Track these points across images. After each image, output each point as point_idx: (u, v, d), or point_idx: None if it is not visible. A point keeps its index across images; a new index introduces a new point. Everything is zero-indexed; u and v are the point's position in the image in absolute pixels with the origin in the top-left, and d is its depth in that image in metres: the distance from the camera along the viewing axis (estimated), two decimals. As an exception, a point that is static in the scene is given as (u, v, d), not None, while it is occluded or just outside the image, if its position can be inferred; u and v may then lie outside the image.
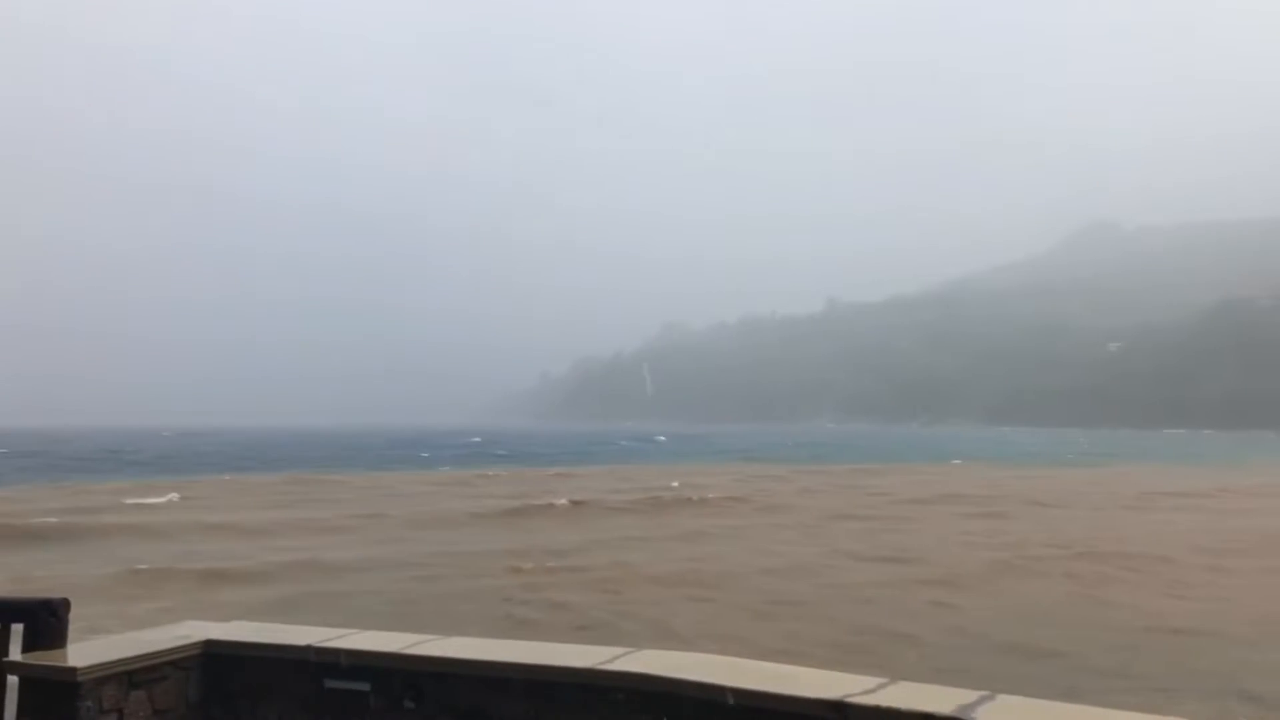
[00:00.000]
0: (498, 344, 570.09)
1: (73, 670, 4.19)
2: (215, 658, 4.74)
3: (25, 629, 4.38)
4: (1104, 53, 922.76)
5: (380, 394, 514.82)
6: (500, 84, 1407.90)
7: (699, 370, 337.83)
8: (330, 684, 4.50)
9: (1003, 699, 3.36)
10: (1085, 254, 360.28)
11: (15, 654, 4.33)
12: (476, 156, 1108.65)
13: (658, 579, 16.19)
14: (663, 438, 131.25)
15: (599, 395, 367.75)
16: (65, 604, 4.47)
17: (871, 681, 3.56)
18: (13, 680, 4.33)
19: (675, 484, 41.24)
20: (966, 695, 3.38)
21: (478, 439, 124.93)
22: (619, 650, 4.15)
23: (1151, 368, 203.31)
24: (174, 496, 33.75)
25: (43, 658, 4.31)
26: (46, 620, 4.32)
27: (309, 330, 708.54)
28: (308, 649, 4.53)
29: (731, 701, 3.61)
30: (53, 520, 24.85)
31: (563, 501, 30.78)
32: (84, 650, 4.44)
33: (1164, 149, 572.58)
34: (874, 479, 47.72)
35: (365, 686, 4.43)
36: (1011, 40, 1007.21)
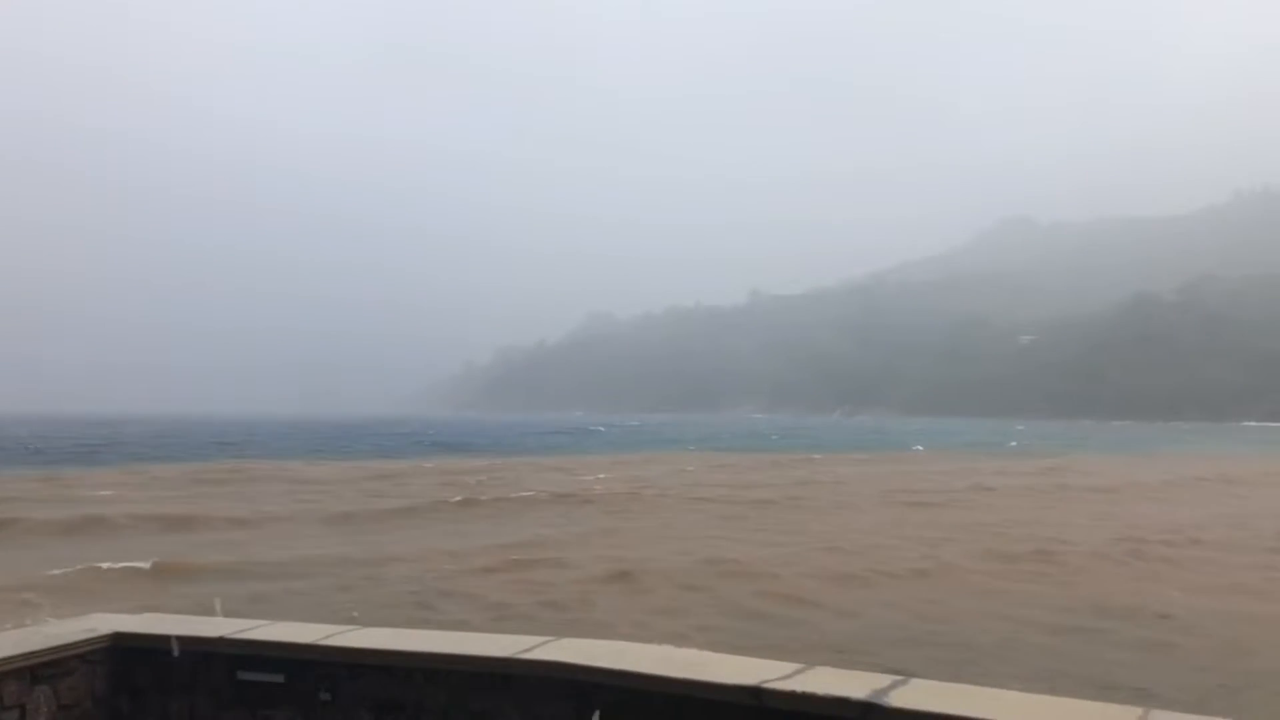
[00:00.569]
0: (420, 333, 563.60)
1: None
2: (124, 650, 4.58)
3: None
4: (1020, 55, 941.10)
5: (301, 384, 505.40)
6: (426, 66, 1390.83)
7: (624, 360, 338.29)
8: (243, 676, 4.40)
9: (916, 683, 3.43)
10: (1001, 249, 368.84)
11: None
12: (395, 149, 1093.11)
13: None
14: (602, 428, 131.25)
15: (522, 384, 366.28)
16: None
17: (788, 667, 3.62)
18: None
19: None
20: (880, 680, 3.44)
21: (430, 428, 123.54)
22: (538, 639, 4.17)
23: (1064, 360, 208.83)
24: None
25: None
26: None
27: (224, 320, 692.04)
28: (220, 640, 4.43)
29: (649, 689, 3.64)
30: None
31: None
32: None
33: (1077, 147, 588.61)
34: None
35: (279, 678, 4.33)
36: (933, 45, 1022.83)
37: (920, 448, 73.07)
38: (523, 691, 3.94)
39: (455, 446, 73.17)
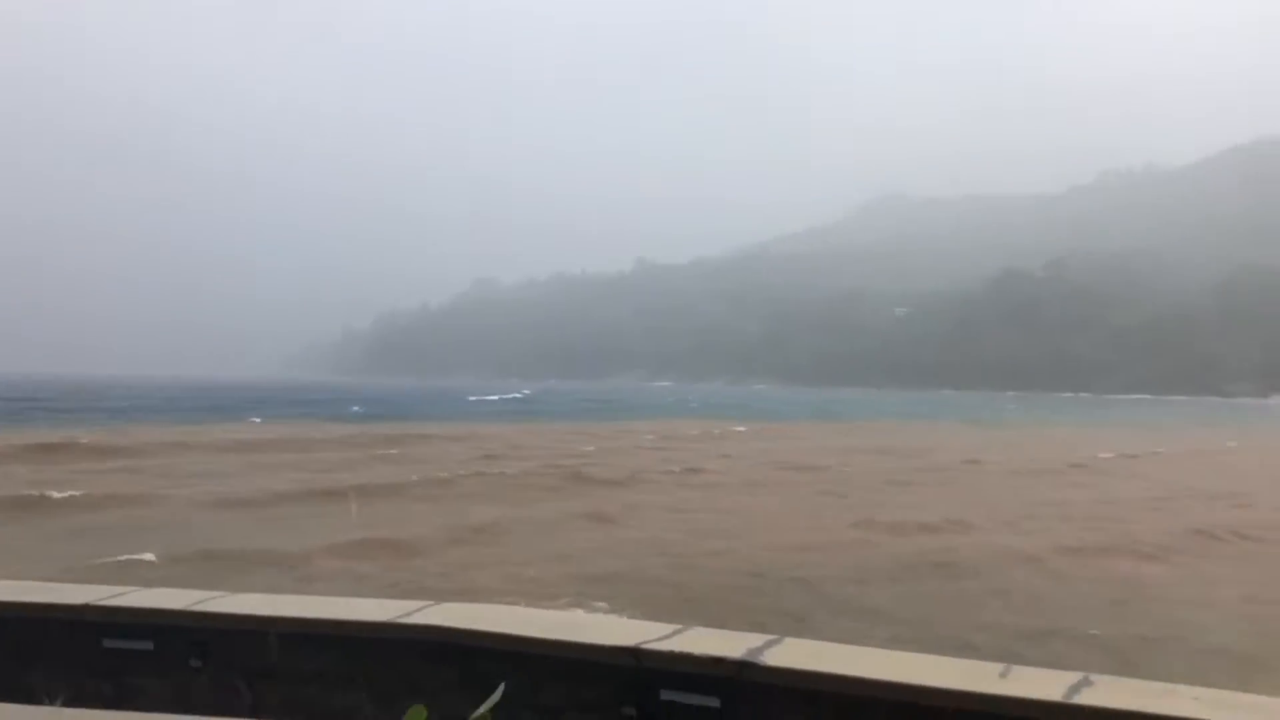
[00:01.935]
0: (297, 297, 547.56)
1: None
2: None
3: None
4: (891, 33, 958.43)
5: (171, 344, 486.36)
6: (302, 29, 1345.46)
7: (508, 327, 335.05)
8: (109, 644, 4.24)
9: (790, 642, 3.56)
10: (878, 223, 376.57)
11: None
12: (268, 107, 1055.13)
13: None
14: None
15: (406, 350, 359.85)
16: None
17: (666, 628, 3.72)
18: None
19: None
20: (756, 639, 3.55)
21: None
22: (418, 604, 4.16)
23: (938, 332, 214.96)
24: None
25: None
26: None
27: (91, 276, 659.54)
28: (84, 608, 4.26)
29: (529, 651, 3.66)
30: None
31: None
32: None
33: (949, 124, 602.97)
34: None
35: (147, 645, 4.19)
36: (805, 24, 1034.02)
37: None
38: (402, 656, 3.87)
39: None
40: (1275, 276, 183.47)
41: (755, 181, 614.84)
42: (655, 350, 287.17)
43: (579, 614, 4.15)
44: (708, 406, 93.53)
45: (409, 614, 3.96)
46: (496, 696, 1.48)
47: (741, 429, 53.95)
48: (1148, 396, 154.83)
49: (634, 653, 3.50)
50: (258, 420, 55.98)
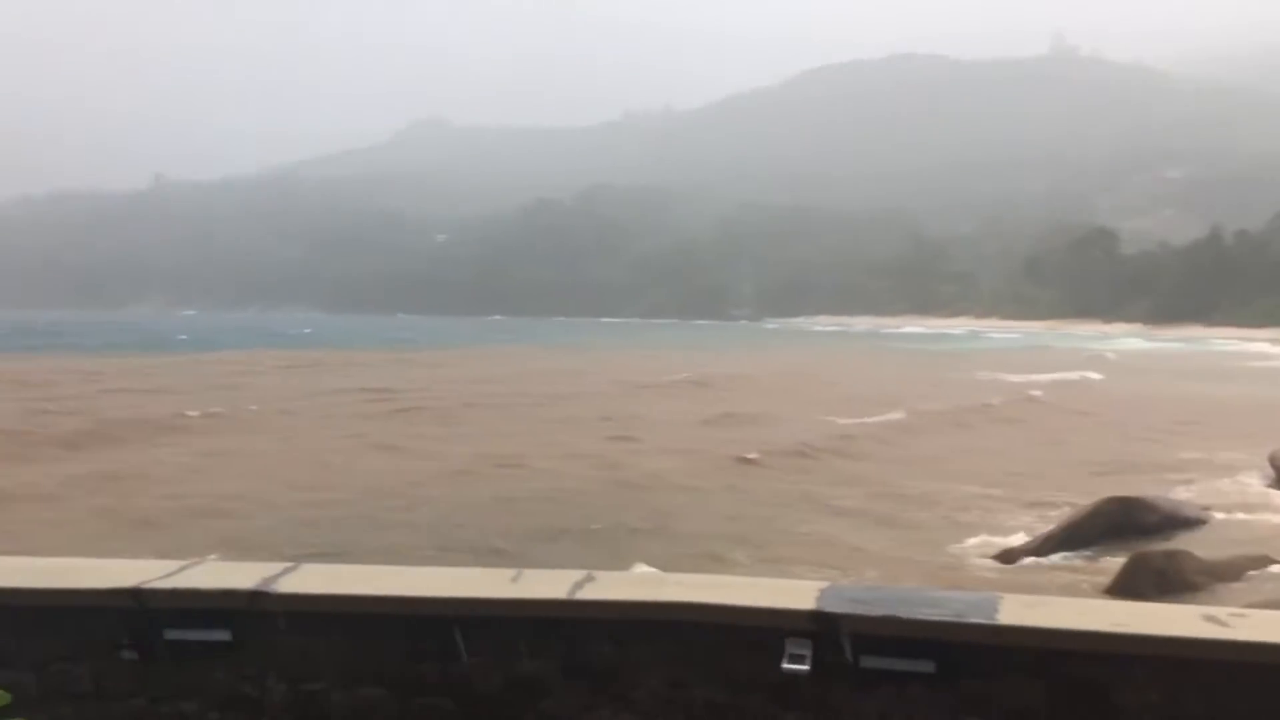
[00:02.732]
0: None
1: None
2: None
3: None
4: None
5: None
6: None
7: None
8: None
9: (307, 568, 3.51)
10: (419, 148, 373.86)
11: None
12: None
13: None
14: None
15: None
16: None
17: (172, 565, 3.52)
18: None
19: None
20: (271, 568, 3.45)
21: None
22: None
23: (476, 258, 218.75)
24: None
25: None
26: None
27: None
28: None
29: (11, 603, 3.36)
30: None
31: None
32: None
33: (497, 56, 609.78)
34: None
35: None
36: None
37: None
38: None
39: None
40: (767, 213, 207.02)
41: (293, 102, 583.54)
42: (180, 276, 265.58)
43: (76, 560, 3.76)
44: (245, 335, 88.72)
45: None
46: None
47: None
48: (674, 320, 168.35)
49: (134, 594, 3.27)
50: None
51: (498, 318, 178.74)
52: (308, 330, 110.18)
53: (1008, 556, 11.51)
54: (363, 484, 14.81)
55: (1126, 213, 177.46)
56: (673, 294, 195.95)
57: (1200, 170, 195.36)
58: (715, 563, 10.89)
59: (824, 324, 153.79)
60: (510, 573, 3.48)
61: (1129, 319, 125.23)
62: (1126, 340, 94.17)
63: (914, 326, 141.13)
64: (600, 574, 3.43)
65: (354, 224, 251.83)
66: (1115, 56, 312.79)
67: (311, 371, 43.16)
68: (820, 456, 18.74)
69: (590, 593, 3.23)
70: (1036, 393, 33.59)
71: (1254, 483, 16.13)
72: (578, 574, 3.38)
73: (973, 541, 12.30)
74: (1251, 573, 10.31)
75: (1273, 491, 15.46)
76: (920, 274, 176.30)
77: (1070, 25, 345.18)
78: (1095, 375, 44.29)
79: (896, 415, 24.97)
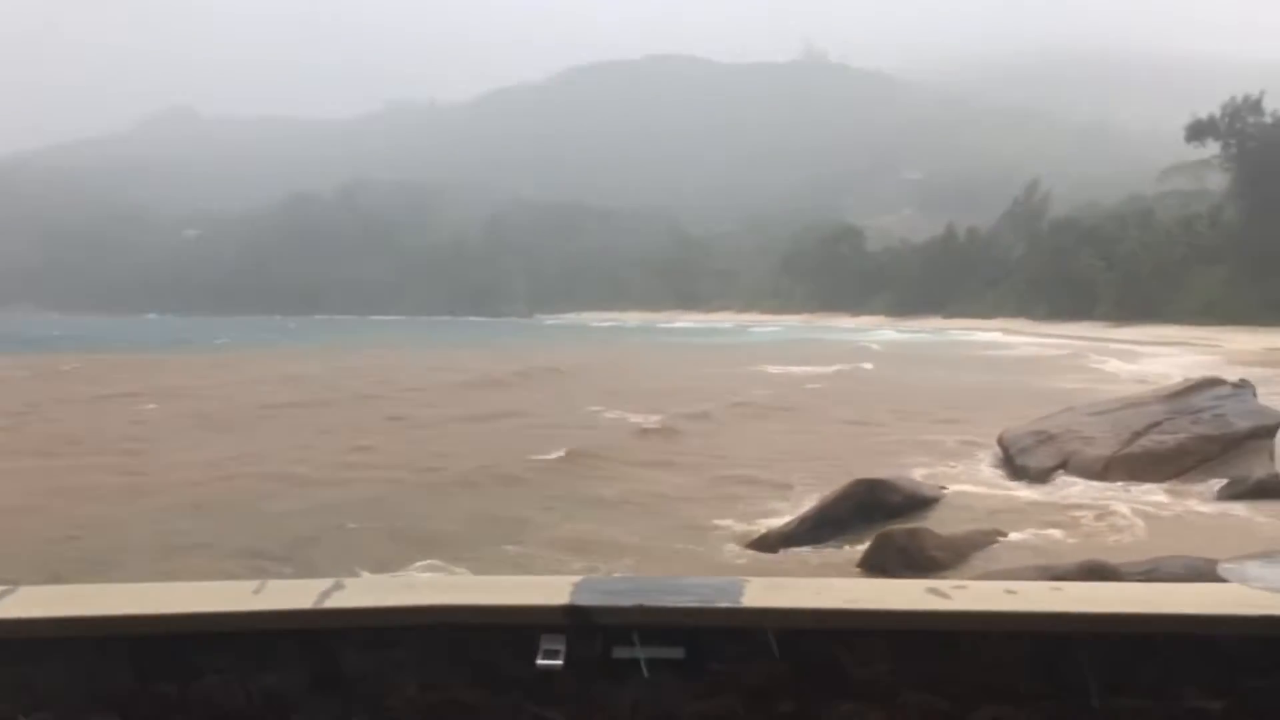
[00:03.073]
0: None
1: None
2: None
3: None
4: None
5: None
6: None
7: None
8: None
9: (25, 590, 3.30)
10: (163, 139, 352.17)
11: None
12: None
13: None
14: None
15: None
16: None
17: None
18: None
19: None
20: None
21: None
22: None
23: (231, 255, 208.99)
24: None
25: None
26: None
27: None
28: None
29: None
30: None
31: None
32: None
33: (253, 43, 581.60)
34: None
35: None
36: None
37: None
38: None
39: None
40: (535, 209, 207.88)
41: (17, 85, 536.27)
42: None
43: None
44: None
45: None
46: None
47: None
48: (446, 318, 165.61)
49: None
50: None
51: (255, 318, 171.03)
52: None
53: (764, 542, 11.87)
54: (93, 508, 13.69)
55: (871, 212, 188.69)
56: (442, 291, 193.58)
57: (936, 172, 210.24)
58: (479, 561, 10.74)
59: (597, 319, 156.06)
60: (253, 584, 3.26)
61: (874, 312, 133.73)
62: (882, 332, 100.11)
63: (685, 321, 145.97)
64: (350, 581, 3.30)
65: (91, 219, 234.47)
66: (860, 64, 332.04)
67: None
68: (597, 453, 18.79)
69: (339, 600, 3.10)
70: (815, 385, 35.25)
71: (986, 462, 17.41)
72: (326, 582, 3.22)
73: (735, 528, 12.64)
74: (984, 546, 11.06)
75: (1000, 470, 16.74)
76: (685, 270, 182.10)
77: (819, 33, 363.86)
78: (868, 365, 46.94)
79: (687, 410, 25.52)
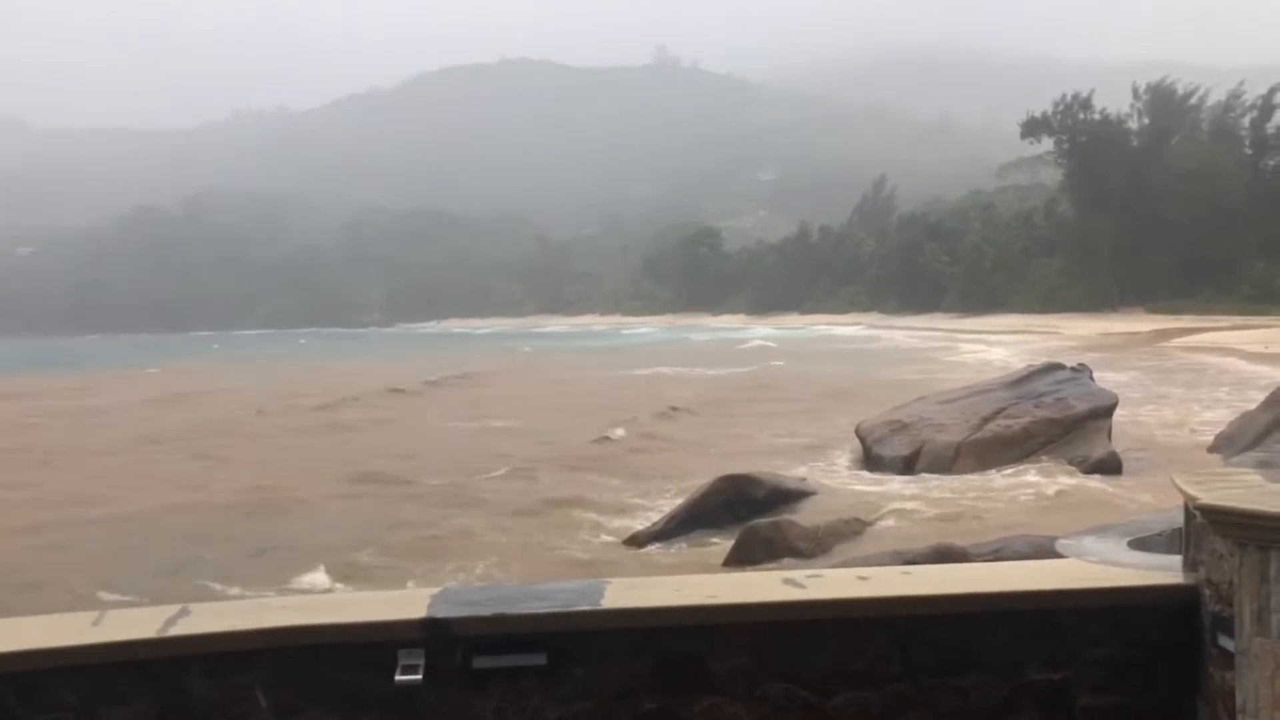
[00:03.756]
0: None
1: None
2: None
3: None
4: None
5: None
6: None
7: None
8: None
9: None
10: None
11: None
12: None
13: None
14: None
15: None
16: None
17: None
18: None
19: None
20: None
21: None
22: None
23: (70, 273, 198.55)
24: None
25: None
26: None
27: None
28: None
29: None
30: None
31: None
32: None
33: (80, 44, 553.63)
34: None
35: None
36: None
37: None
38: None
39: None
40: (389, 217, 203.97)
41: None
42: None
43: None
44: None
45: None
46: None
47: None
48: (306, 330, 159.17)
49: None
50: None
51: (95, 337, 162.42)
52: None
53: (635, 540, 11.96)
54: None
55: (728, 213, 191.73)
56: (297, 303, 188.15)
57: (789, 172, 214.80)
58: (349, 568, 10.58)
59: (462, 327, 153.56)
60: (91, 615, 3.17)
61: (734, 310, 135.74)
62: (758, 329, 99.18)
63: (553, 325, 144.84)
64: (196, 606, 3.24)
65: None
66: (712, 68, 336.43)
67: None
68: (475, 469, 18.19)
69: (185, 628, 3.02)
70: (728, 388, 34.68)
71: (845, 454, 17.84)
72: (170, 609, 3.15)
73: (606, 527, 12.69)
74: (848, 536, 11.37)
75: (858, 460, 17.19)
76: (547, 275, 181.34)
77: (670, 39, 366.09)
78: (780, 363, 47.02)
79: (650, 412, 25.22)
